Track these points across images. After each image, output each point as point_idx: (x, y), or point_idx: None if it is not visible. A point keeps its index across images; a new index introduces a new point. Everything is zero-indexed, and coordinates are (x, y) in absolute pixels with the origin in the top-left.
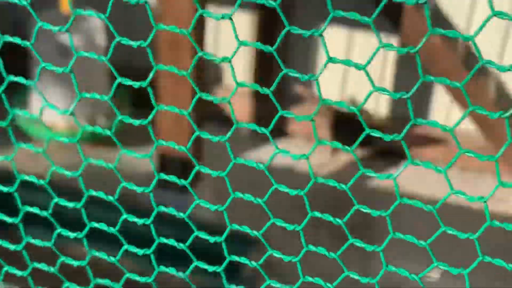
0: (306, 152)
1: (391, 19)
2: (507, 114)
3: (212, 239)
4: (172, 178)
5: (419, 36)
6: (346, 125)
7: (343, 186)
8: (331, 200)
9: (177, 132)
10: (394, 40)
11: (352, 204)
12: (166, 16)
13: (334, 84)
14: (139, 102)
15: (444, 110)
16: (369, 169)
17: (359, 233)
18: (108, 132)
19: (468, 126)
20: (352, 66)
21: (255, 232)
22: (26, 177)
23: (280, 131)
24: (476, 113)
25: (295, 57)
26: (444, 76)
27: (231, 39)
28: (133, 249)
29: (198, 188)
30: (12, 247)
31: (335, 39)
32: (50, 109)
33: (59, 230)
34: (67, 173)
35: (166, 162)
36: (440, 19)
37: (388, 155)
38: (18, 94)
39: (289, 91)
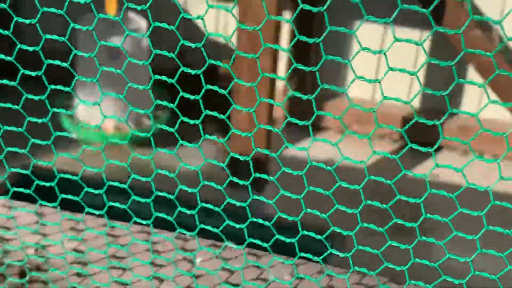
0: (339, 144)
1: (432, 13)
2: None
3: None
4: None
5: (460, 29)
6: None
7: (363, 161)
8: (376, 195)
9: (250, 131)
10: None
11: (391, 197)
12: (246, 19)
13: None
14: (178, 102)
15: (476, 98)
16: (403, 161)
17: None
18: (196, 121)
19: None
20: (371, 82)
21: (295, 196)
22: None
23: (314, 126)
24: None
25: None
26: (482, 67)
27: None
28: None
29: (265, 190)
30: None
31: (368, 35)
32: (98, 112)
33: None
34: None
35: (235, 162)
36: (476, 14)
37: (421, 146)
38: (62, 97)
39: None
